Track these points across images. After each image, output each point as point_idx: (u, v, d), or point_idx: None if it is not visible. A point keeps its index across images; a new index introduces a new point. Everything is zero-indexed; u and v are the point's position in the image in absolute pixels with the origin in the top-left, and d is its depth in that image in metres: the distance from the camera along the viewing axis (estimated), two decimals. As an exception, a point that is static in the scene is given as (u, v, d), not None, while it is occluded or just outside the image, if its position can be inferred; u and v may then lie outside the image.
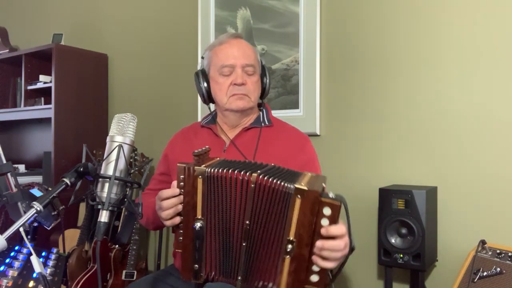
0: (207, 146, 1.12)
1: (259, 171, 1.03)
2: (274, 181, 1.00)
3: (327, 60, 2.14)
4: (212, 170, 1.04)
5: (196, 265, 1.08)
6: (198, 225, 1.06)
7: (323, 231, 0.97)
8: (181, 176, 1.08)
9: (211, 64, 1.44)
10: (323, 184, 1.02)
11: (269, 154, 1.35)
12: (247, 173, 1.02)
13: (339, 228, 0.97)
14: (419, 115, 1.91)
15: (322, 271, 1.00)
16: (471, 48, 1.81)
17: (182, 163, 1.08)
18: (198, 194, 1.06)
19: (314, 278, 1.00)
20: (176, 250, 1.12)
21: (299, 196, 0.96)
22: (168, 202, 1.11)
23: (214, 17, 2.47)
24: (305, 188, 0.96)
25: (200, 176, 1.05)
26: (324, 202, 0.96)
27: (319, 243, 0.97)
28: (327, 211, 0.96)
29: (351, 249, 1.18)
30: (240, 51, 1.40)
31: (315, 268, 0.99)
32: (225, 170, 1.04)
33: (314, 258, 0.98)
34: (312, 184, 0.99)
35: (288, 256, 0.99)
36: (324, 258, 0.99)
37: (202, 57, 1.50)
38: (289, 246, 0.98)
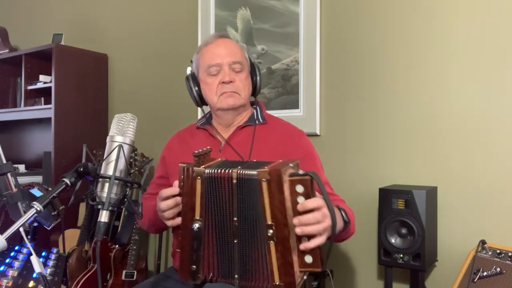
0: (208, 147, 1.12)
1: (239, 167, 1.03)
2: (246, 172, 1.01)
3: (327, 60, 2.14)
4: (211, 171, 1.04)
5: (194, 266, 1.08)
6: (196, 226, 1.06)
7: (298, 208, 0.98)
8: (182, 176, 1.08)
9: (199, 66, 1.44)
10: (291, 165, 1.03)
11: (264, 152, 1.35)
12: (230, 171, 1.03)
13: (314, 201, 0.97)
14: (419, 115, 1.91)
15: (313, 251, 1.00)
16: (472, 49, 1.81)
17: (183, 163, 1.08)
18: (197, 195, 1.06)
19: (308, 259, 1.00)
20: (176, 250, 1.12)
21: (264, 179, 0.98)
22: (167, 202, 1.12)
23: (214, 17, 2.47)
24: (266, 169, 0.98)
25: (198, 177, 1.05)
26: (294, 181, 0.98)
27: (295, 219, 0.98)
28: (300, 188, 0.98)
29: (344, 221, 1.18)
30: (226, 50, 1.39)
31: (302, 247, 1.00)
32: (222, 171, 1.04)
33: (298, 234, 0.99)
34: (276, 166, 1.01)
35: (271, 241, 1.00)
36: (308, 236, 0.99)
37: (191, 61, 1.50)
38: (270, 231, 0.99)
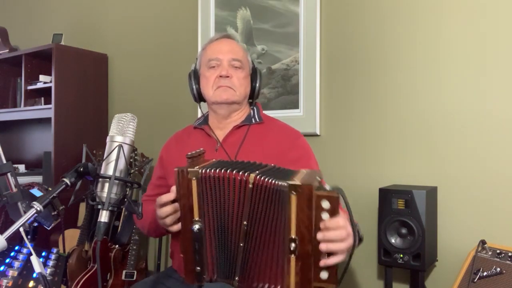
0: (201, 149, 1.12)
1: (257, 171, 1.02)
2: (270, 180, 0.99)
3: (327, 60, 2.14)
4: (206, 170, 1.04)
5: (198, 268, 1.07)
6: (196, 227, 1.05)
7: (323, 225, 0.96)
8: (177, 180, 1.07)
9: (201, 62, 1.48)
10: (318, 178, 1.01)
11: (254, 152, 1.34)
12: (245, 174, 1.02)
13: (340, 220, 0.96)
14: (419, 115, 1.92)
15: (331, 267, 0.98)
16: (471, 48, 1.81)
17: (177, 168, 1.07)
18: (193, 195, 1.05)
19: (324, 275, 0.99)
20: (180, 254, 1.12)
21: (293, 192, 0.95)
22: (165, 209, 1.12)
23: (214, 17, 2.47)
24: (299, 183, 0.95)
25: (194, 178, 1.04)
26: (321, 196, 0.95)
27: (319, 235, 0.96)
28: (325, 204, 0.95)
29: (359, 239, 1.17)
30: (228, 47, 1.43)
31: (322, 264, 0.98)
32: (222, 171, 1.03)
33: (320, 250, 0.97)
34: (306, 179, 0.98)
35: (293, 255, 0.98)
36: (328, 252, 0.98)
37: (196, 58, 1.53)
38: (292, 244, 0.97)
